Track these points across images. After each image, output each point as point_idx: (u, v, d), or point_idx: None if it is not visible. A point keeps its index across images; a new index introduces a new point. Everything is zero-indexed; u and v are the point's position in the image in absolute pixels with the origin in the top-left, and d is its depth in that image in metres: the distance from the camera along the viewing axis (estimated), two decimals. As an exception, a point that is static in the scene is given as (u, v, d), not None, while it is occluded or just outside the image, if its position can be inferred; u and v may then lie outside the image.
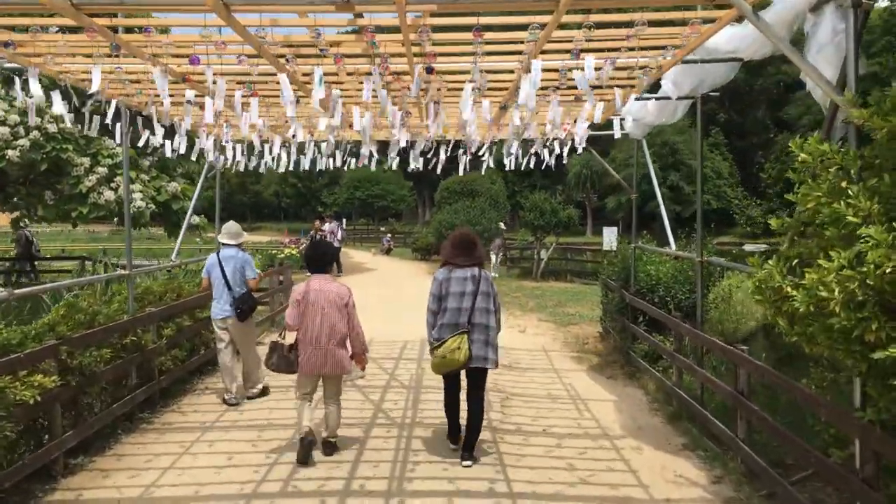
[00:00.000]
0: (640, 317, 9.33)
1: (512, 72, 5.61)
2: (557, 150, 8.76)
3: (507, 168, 9.31)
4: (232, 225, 7.78)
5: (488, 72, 5.57)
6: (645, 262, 10.14)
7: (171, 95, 5.61)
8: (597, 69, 5.04)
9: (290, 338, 5.84)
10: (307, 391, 5.92)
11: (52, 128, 12.80)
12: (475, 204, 27.33)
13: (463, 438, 5.87)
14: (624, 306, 9.85)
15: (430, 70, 4.94)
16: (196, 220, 15.68)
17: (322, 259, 6.02)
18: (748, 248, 42.72)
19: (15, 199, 15.25)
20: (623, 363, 9.43)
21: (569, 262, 25.62)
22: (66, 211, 14.19)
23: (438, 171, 9.04)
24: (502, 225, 24.81)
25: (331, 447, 5.91)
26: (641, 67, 5.46)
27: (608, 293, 11.32)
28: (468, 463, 5.67)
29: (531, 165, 9.01)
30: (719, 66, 5.62)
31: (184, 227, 9.75)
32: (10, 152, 12.21)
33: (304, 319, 5.71)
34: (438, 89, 6.08)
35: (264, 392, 7.76)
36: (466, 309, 5.56)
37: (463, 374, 5.82)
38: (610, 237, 22.95)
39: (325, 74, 5.72)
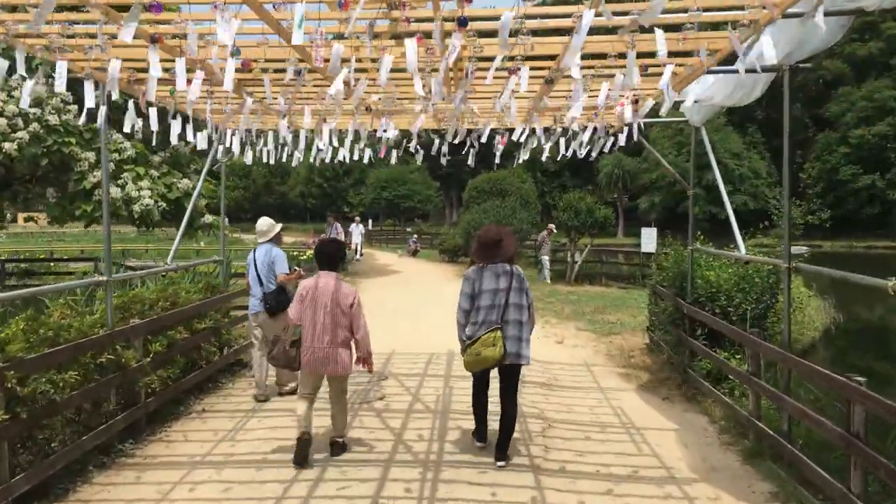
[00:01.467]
0: (698, 329, 8.15)
1: (567, 31, 4.44)
2: (593, 146, 7.65)
3: (544, 160, 8.22)
4: (261, 222, 7.68)
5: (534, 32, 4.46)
6: (703, 267, 8.93)
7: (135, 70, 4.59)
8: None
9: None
10: (309, 391, 5.73)
11: (53, 119, 11.92)
12: (505, 203, 26.12)
13: (497, 439, 5.67)
14: (679, 317, 8.66)
15: (463, 22, 3.81)
16: (210, 219, 14.74)
17: (330, 256, 5.82)
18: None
19: (21, 198, 14.45)
20: (679, 382, 8.24)
21: (604, 265, 24.37)
22: (71, 210, 13.33)
23: (471, 162, 7.93)
24: (553, 227, 22.72)
25: (339, 448, 5.75)
26: (728, 22, 4.29)
27: (658, 301, 10.13)
28: (502, 463, 5.55)
29: (578, 152, 7.81)
30: (828, 21, 4.41)
31: (182, 226, 8.72)
32: (6, 145, 11.33)
33: (306, 316, 5.55)
34: (470, 58, 4.97)
35: (294, 391, 7.16)
36: (500, 305, 5.47)
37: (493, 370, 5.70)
38: (649, 238, 21.67)
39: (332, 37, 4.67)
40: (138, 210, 12.90)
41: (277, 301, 7.38)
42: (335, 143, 7.32)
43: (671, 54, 4.93)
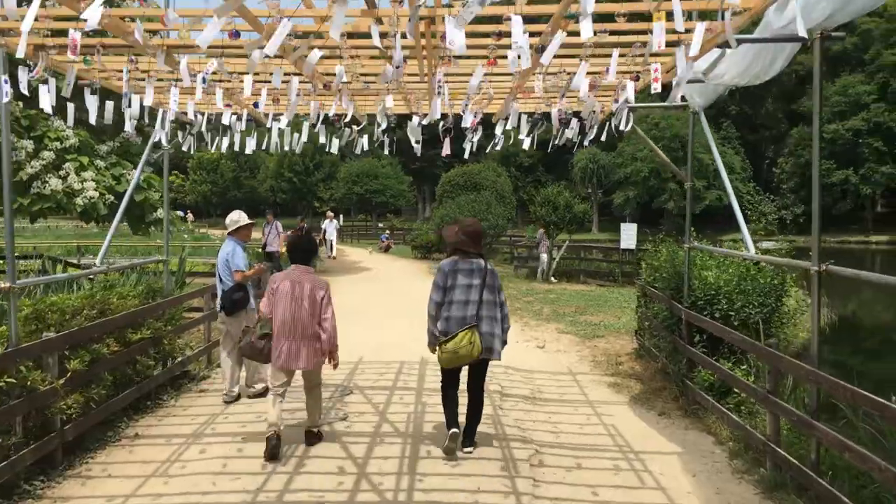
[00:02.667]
0: (697, 336, 7.37)
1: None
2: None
3: (525, 146, 7.33)
4: (230, 215, 7.37)
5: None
6: (699, 266, 8.14)
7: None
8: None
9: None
10: (280, 385, 5.72)
11: (-16, 104, 10.77)
12: (480, 198, 25.23)
13: (465, 427, 5.75)
14: (674, 322, 7.86)
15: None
16: (161, 214, 13.63)
17: (302, 250, 5.87)
18: (764, 245, 40.70)
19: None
20: (676, 394, 7.44)
21: (582, 262, 23.62)
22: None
23: (444, 152, 7.02)
24: (544, 235, 21.43)
25: (314, 437, 5.85)
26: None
27: (648, 303, 9.33)
28: (469, 449, 5.66)
29: (573, 137, 6.88)
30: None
31: (115, 221, 7.67)
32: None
33: (277, 310, 5.59)
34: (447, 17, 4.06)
35: (263, 393, 7.08)
36: (474, 302, 5.49)
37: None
38: (628, 234, 20.96)
39: None
40: (81, 203, 11.79)
41: (231, 301, 6.99)
42: (283, 126, 6.35)
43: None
